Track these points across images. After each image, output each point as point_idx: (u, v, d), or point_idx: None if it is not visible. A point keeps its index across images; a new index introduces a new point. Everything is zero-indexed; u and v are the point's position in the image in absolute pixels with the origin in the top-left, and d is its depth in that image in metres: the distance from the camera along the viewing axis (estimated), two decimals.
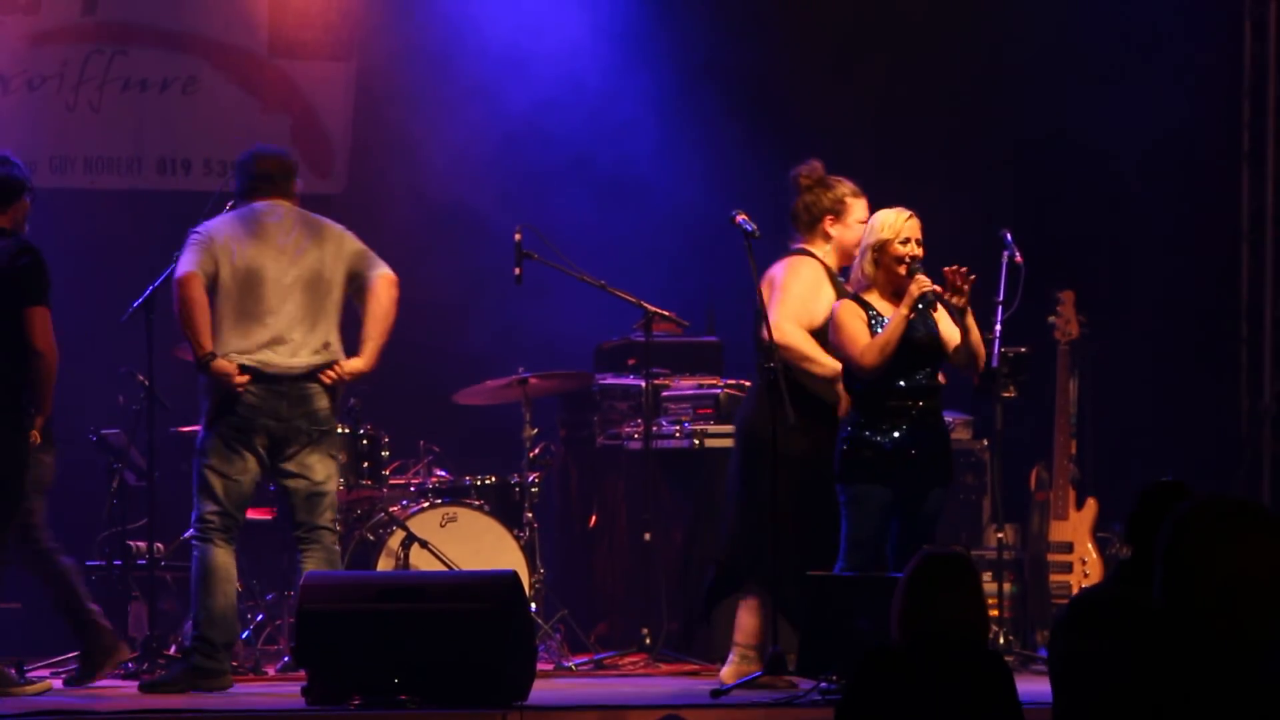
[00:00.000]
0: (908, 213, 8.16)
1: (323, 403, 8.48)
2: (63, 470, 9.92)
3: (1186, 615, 3.96)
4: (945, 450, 8.24)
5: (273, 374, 8.42)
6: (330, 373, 8.46)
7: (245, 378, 8.38)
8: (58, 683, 8.53)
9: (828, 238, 8.55)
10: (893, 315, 8.01)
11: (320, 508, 8.51)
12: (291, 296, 8.50)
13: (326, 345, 8.51)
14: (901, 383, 8.09)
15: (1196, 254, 11.71)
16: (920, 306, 7.99)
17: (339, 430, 8.88)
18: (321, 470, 8.51)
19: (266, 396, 8.42)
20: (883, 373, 8.04)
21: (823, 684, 7.50)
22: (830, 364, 8.26)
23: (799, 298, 8.38)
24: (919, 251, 8.11)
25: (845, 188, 8.55)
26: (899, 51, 11.66)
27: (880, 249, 8.12)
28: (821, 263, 8.49)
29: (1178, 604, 3.98)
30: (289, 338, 8.47)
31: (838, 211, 8.52)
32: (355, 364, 8.49)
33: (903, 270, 8.06)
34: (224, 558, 8.42)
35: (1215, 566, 3.96)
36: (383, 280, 8.56)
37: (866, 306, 8.13)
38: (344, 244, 8.64)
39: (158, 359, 9.20)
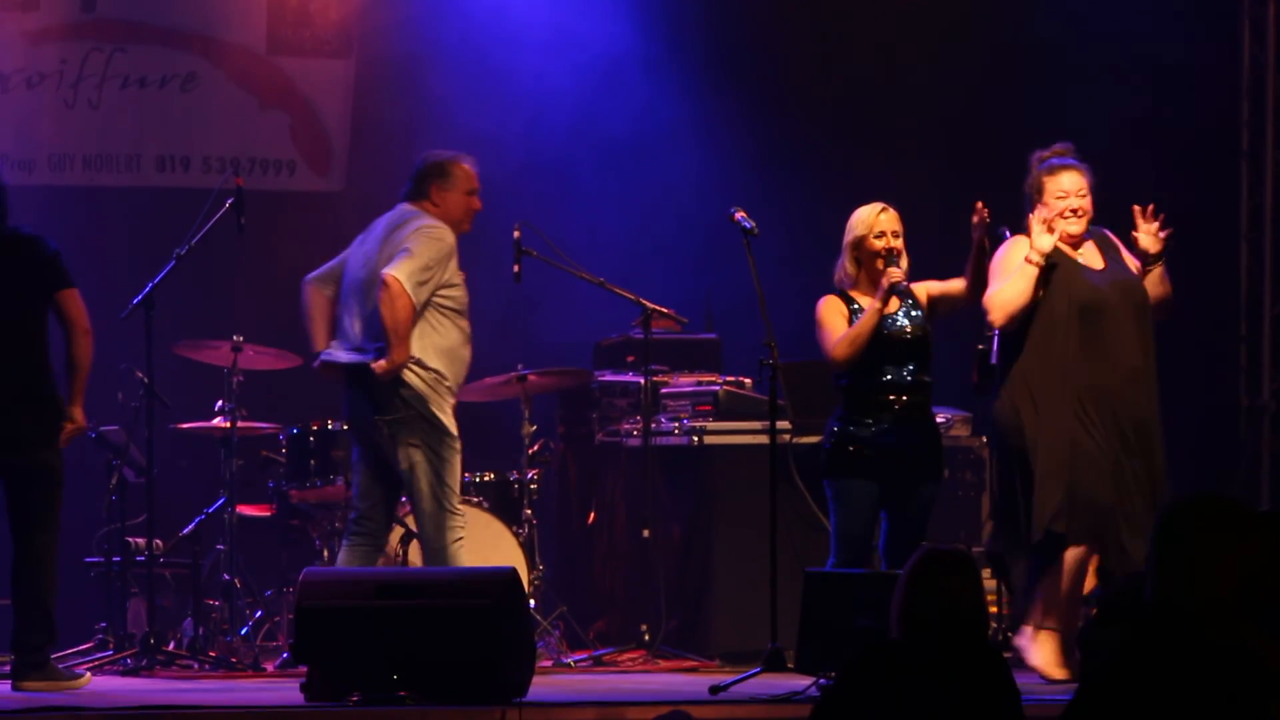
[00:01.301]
0: (880, 206, 8.28)
1: (379, 396, 8.47)
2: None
3: (1175, 614, 3.97)
4: (934, 446, 8.29)
5: (346, 372, 8.55)
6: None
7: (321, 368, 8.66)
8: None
9: (1039, 217, 8.49)
10: (865, 309, 8.12)
11: (414, 504, 8.54)
12: (354, 298, 8.60)
13: (361, 346, 8.53)
14: (883, 378, 8.19)
15: (1195, 253, 11.71)
16: (898, 295, 8.08)
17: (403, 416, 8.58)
18: (404, 459, 8.49)
19: (348, 395, 8.62)
20: (857, 366, 8.15)
21: (821, 680, 7.50)
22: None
23: (1005, 275, 8.31)
24: (897, 244, 8.19)
25: (1045, 170, 8.53)
26: (902, 54, 11.67)
27: (857, 246, 8.28)
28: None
29: (1166, 602, 4.00)
30: (344, 338, 8.59)
31: (1039, 191, 8.50)
32: (378, 364, 8.48)
33: (880, 265, 8.15)
34: (343, 557, 8.63)
35: (1201, 566, 3.97)
36: (383, 281, 8.47)
37: (850, 301, 8.25)
38: (400, 244, 8.53)
39: (157, 356, 9.20)
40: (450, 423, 8.54)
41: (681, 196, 11.39)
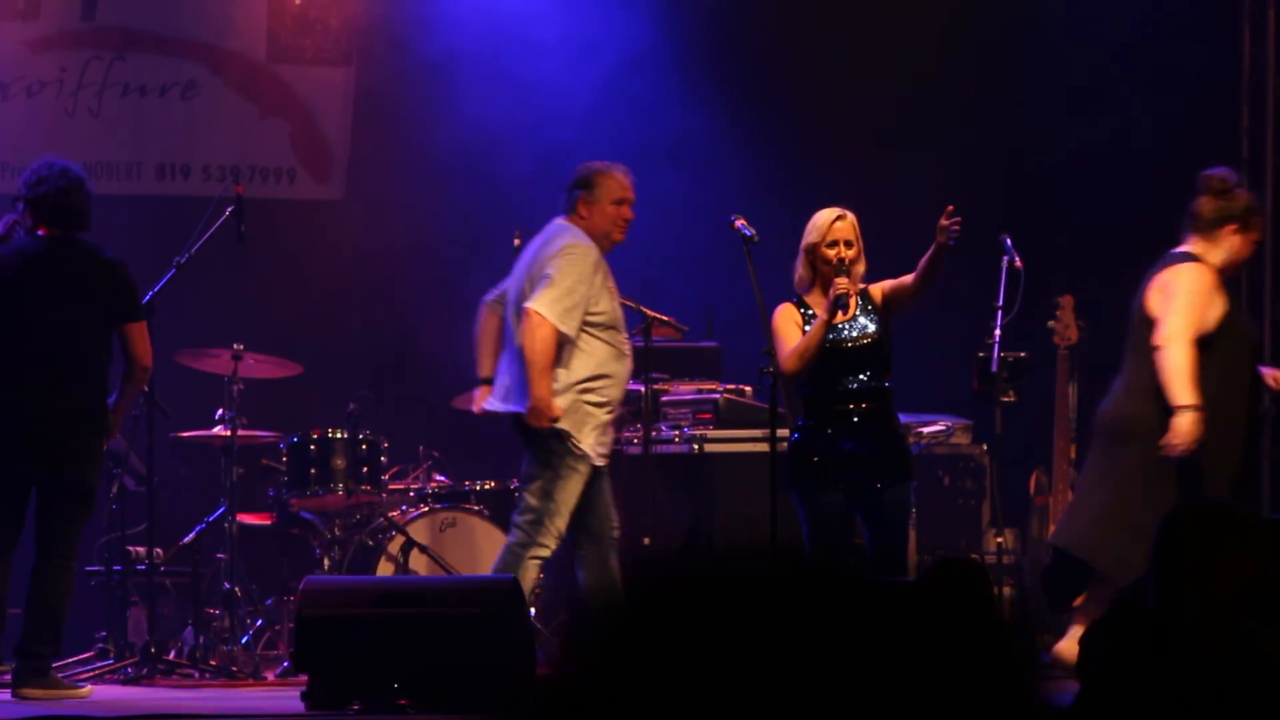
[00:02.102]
0: (836, 213, 8.22)
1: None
2: None
3: (1176, 620, 3.97)
4: (897, 451, 8.26)
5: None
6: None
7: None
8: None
9: (1223, 243, 8.37)
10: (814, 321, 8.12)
11: (519, 504, 8.58)
12: (514, 317, 8.56)
13: (506, 383, 8.55)
14: (840, 386, 8.15)
15: None
16: (841, 308, 8.07)
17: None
18: (526, 465, 8.53)
19: (512, 418, 8.58)
20: (813, 375, 8.12)
21: None
22: (1187, 399, 8.08)
23: (1197, 310, 8.22)
24: (849, 253, 8.15)
25: (1252, 201, 8.51)
26: (901, 56, 11.66)
27: (811, 252, 8.22)
28: (1210, 267, 8.35)
29: (1167, 609, 4.00)
30: (499, 365, 8.63)
31: (1244, 222, 8.40)
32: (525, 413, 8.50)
33: (831, 273, 8.15)
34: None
35: (1202, 572, 3.98)
36: (524, 313, 8.43)
37: (805, 308, 8.23)
38: (542, 267, 8.46)
39: (157, 365, 9.18)
40: (588, 444, 8.44)
41: (682, 204, 11.38)
